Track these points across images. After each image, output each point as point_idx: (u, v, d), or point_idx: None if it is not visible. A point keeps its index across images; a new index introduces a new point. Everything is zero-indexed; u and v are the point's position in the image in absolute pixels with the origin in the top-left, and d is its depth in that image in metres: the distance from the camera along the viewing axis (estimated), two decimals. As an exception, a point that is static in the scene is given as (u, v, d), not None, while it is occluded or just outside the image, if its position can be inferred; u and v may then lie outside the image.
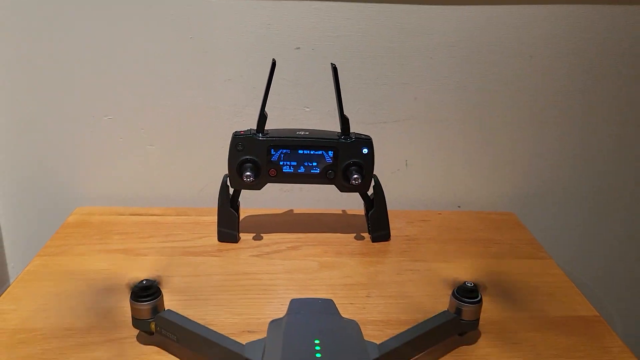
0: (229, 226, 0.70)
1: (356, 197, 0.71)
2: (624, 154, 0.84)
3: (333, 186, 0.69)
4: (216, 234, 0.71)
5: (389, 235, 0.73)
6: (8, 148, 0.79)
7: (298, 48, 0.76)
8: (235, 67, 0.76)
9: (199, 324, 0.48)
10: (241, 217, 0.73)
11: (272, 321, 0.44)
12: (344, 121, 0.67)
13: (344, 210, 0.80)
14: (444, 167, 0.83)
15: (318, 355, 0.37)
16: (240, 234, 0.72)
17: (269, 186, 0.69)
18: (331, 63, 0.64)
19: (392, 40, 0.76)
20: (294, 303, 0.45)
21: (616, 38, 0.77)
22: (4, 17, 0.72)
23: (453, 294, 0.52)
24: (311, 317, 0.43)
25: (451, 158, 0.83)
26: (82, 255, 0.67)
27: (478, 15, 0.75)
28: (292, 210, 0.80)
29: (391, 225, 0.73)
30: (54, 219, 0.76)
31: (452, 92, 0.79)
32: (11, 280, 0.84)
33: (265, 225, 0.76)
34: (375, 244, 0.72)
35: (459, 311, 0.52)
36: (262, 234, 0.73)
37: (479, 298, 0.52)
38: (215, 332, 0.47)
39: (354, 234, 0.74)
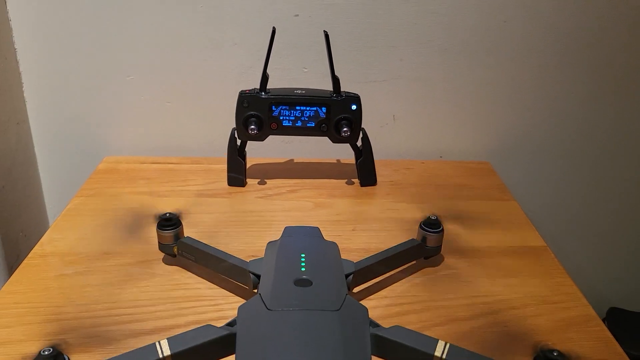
0: (237, 172, 0.82)
1: (347, 148, 0.82)
2: (597, 113, 0.94)
3: (327, 138, 0.80)
4: (226, 179, 0.83)
5: (376, 181, 0.84)
6: (44, 104, 0.90)
7: (297, 15, 0.85)
8: (241, 33, 0.86)
9: (212, 247, 0.60)
10: (247, 165, 0.84)
11: (270, 242, 0.55)
12: (335, 81, 0.77)
13: (337, 160, 0.91)
14: (427, 121, 0.94)
15: (302, 268, 0.49)
16: (247, 180, 0.83)
17: (271, 138, 0.80)
18: (324, 31, 0.74)
19: (380, 8, 0.85)
20: (287, 229, 0.56)
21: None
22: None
23: (420, 225, 0.64)
24: (300, 239, 0.54)
25: (434, 113, 0.93)
26: (114, 195, 0.79)
27: (458, -16, 0.84)
28: (292, 160, 0.91)
29: (378, 173, 0.84)
30: (86, 167, 0.88)
31: (435, 54, 0.89)
32: (50, 221, 0.97)
33: (268, 172, 0.87)
34: (363, 188, 0.83)
35: (424, 239, 0.63)
36: (265, 180, 0.84)
37: (440, 229, 0.63)
38: (225, 252, 0.59)
39: (346, 180, 0.85)
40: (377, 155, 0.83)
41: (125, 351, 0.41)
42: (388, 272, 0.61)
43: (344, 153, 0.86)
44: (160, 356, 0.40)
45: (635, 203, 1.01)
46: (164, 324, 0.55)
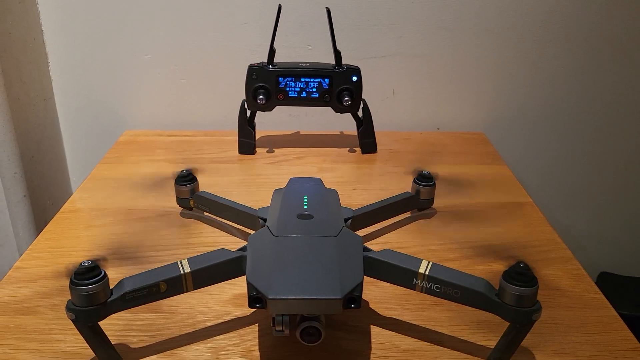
0: (248, 138, 0.88)
1: (350, 120, 0.88)
2: (586, 87, 0.99)
3: (332, 111, 0.86)
4: (237, 149, 0.89)
5: (376, 149, 0.90)
6: (68, 82, 0.97)
7: (301, -5, 0.92)
8: (250, 13, 0.92)
9: (224, 198, 0.66)
10: (257, 137, 0.90)
11: (276, 190, 0.61)
12: (337, 55, 0.83)
13: (341, 132, 0.97)
14: (426, 94, 0.99)
15: (305, 206, 0.55)
16: (256, 149, 0.90)
17: (279, 112, 0.86)
18: (326, 7, 0.80)
19: (380, -13, 0.91)
20: (292, 180, 0.62)
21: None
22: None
23: (414, 180, 0.70)
24: (303, 186, 0.60)
25: (432, 87, 0.99)
26: (134, 163, 0.86)
27: (452, -36, 0.90)
28: (298, 132, 0.98)
29: (378, 142, 0.90)
30: (107, 141, 0.95)
31: (432, 32, 0.94)
32: (73, 189, 1.04)
33: (276, 142, 0.93)
34: (364, 155, 0.90)
35: (417, 192, 0.69)
36: (274, 149, 0.91)
37: (432, 182, 0.69)
38: (236, 202, 0.65)
39: (348, 148, 0.91)
40: (377, 127, 0.89)
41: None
42: (384, 219, 0.67)
43: (347, 125, 0.92)
44: (182, 272, 0.47)
45: (626, 173, 1.06)
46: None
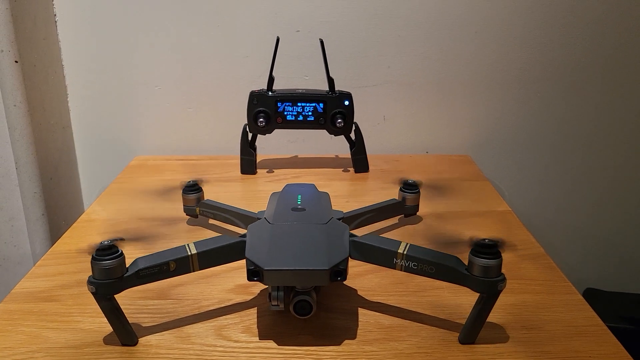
0: (249, 158, 0.95)
1: (344, 145, 0.95)
2: (565, 111, 1.07)
3: (327, 137, 0.93)
4: (239, 170, 0.96)
5: (368, 168, 0.97)
6: (84, 112, 1.05)
7: (298, 31, 1.01)
8: (251, 47, 1.02)
9: (227, 204, 0.73)
10: (258, 160, 0.98)
11: (273, 193, 0.68)
12: (330, 81, 0.91)
13: (336, 155, 1.05)
14: (413, 120, 1.07)
15: (299, 202, 0.62)
16: (257, 170, 0.97)
17: (279, 138, 0.94)
18: (319, 38, 0.89)
19: (370, 22, 1.00)
20: (288, 185, 0.69)
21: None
22: (84, 14, 0.99)
23: (400, 188, 0.76)
24: (298, 188, 0.67)
25: (419, 113, 1.07)
26: (145, 182, 0.93)
27: (435, 2, 0.99)
28: (296, 156, 1.05)
29: (370, 164, 0.97)
30: (119, 166, 1.02)
31: (418, 61, 1.03)
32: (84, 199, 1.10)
33: (276, 164, 1.00)
34: (357, 174, 0.97)
35: (403, 199, 0.76)
36: (273, 169, 0.98)
37: (417, 190, 0.76)
38: (237, 207, 0.72)
39: (342, 169, 0.98)
40: (369, 151, 0.97)
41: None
42: (372, 222, 0.74)
43: (341, 149, 0.99)
44: (189, 253, 0.53)
45: (609, 189, 1.12)
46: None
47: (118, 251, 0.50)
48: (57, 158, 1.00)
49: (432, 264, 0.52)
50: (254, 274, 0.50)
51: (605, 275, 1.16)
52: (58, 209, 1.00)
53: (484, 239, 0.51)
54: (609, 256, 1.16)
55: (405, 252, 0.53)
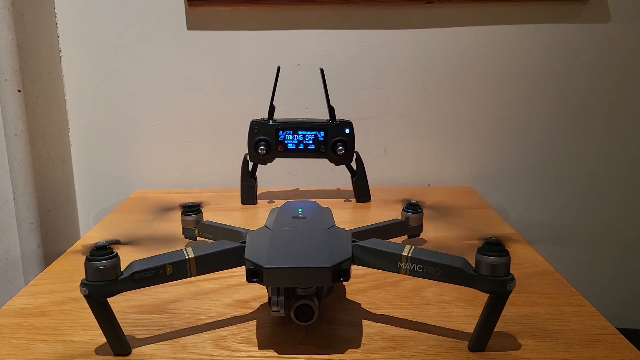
0: (249, 188, 0.94)
1: (345, 177, 0.95)
2: (555, 144, 1.07)
3: (328, 169, 0.93)
4: (239, 201, 0.95)
5: (370, 198, 0.96)
6: (85, 147, 1.06)
7: (299, 64, 1.02)
8: (252, 80, 1.03)
9: (225, 224, 0.71)
10: (258, 192, 0.97)
11: (273, 208, 0.67)
12: (331, 110, 0.92)
13: (337, 187, 1.04)
14: (414, 152, 1.07)
15: (300, 212, 0.60)
16: (258, 201, 0.96)
17: (279, 169, 0.94)
18: (320, 68, 0.90)
19: (368, 56, 1.02)
20: (288, 201, 0.68)
21: (534, 50, 1.02)
22: (88, 50, 1.01)
23: (403, 208, 0.75)
24: (299, 203, 0.66)
25: (419, 145, 1.07)
26: (144, 212, 0.92)
27: (432, 36, 1.01)
28: (297, 188, 1.05)
29: (372, 195, 0.96)
30: (118, 199, 1.02)
31: (416, 93, 1.04)
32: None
33: (276, 196, 0.99)
34: (359, 203, 0.95)
35: (406, 219, 0.74)
36: (274, 200, 0.97)
37: (420, 210, 0.75)
38: (238, 227, 0.70)
39: (344, 199, 0.98)
40: (371, 183, 0.96)
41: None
42: (375, 242, 0.72)
43: (343, 182, 0.99)
44: (186, 257, 0.51)
45: (613, 220, 1.10)
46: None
47: (113, 252, 0.49)
48: (55, 191, 0.99)
49: (438, 266, 0.50)
50: (253, 274, 0.48)
51: (614, 309, 1.12)
52: (54, 243, 0.98)
53: (491, 237, 0.49)
54: (617, 289, 1.13)
55: (410, 255, 0.51)
